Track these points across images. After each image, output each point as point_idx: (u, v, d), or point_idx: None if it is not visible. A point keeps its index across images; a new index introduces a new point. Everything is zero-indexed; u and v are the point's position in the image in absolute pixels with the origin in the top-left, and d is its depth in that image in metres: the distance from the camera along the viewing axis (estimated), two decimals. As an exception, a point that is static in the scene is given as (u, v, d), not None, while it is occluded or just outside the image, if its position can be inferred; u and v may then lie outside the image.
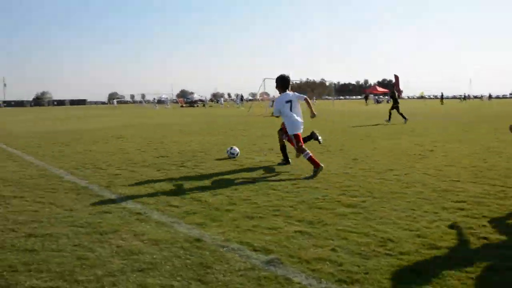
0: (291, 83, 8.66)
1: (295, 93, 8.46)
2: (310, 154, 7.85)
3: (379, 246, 4.08)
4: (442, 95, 76.04)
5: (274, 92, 46.33)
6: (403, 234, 4.41)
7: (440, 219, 4.90)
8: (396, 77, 78.15)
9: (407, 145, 12.06)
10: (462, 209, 5.31)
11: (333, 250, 4.00)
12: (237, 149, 10.07)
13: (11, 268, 3.70)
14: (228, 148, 10.19)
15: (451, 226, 4.64)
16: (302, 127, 8.33)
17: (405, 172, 7.85)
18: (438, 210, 5.30)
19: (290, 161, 9.06)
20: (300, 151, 8.06)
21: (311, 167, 7.69)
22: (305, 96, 8.54)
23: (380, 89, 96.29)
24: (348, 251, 3.97)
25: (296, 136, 8.12)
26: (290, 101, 8.20)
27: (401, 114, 21.52)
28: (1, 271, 3.63)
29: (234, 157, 9.86)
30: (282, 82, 8.45)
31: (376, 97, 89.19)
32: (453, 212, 5.21)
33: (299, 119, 8.26)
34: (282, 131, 8.70)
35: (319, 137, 8.78)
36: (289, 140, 8.36)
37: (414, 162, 8.92)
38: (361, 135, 15.30)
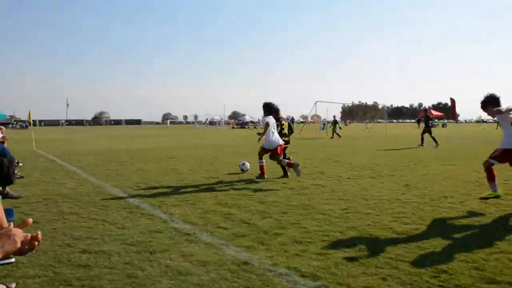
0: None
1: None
2: (263, 163, 10.41)
3: (433, 277, 3.92)
4: (483, 120, 73.34)
5: (325, 115, 46.20)
6: (459, 265, 4.21)
7: (501, 252, 4.64)
8: (452, 101, 75.85)
9: (462, 171, 11.60)
10: (524, 242, 5.02)
11: (383, 279, 3.88)
12: (248, 165, 11.56)
13: (66, 282, 3.84)
14: (240, 164, 11.52)
15: None
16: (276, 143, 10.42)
17: (461, 200, 7.54)
18: (498, 241, 5.02)
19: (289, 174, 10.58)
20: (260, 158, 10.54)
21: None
22: (266, 122, 10.35)
23: (434, 112, 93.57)
24: (399, 281, 3.84)
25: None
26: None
27: (433, 138, 21.60)
28: (57, 285, 3.78)
29: (244, 171, 11.39)
30: (267, 108, 10.75)
31: (431, 121, 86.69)
32: (515, 244, 4.93)
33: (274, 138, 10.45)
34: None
35: (297, 171, 10.02)
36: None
37: (471, 190, 8.56)
38: (413, 159, 14.87)
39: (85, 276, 3.97)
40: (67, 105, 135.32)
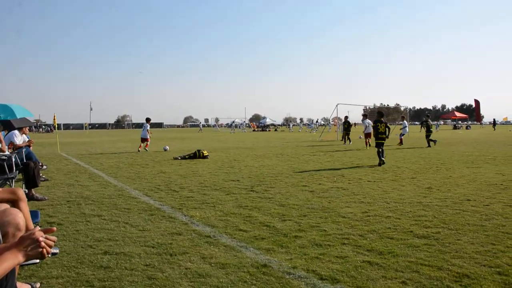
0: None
1: None
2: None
3: (454, 281, 3.86)
4: (494, 121, 71.79)
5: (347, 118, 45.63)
6: (481, 270, 4.13)
7: (525, 256, 4.55)
8: (477, 102, 74.65)
9: (487, 174, 11.38)
10: (549, 246, 4.91)
11: (403, 283, 3.84)
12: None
13: (88, 283, 3.91)
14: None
15: None
16: None
17: (484, 203, 7.40)
18: (521, 245, 4.93)
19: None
20: None
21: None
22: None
23: (458, 114, 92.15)
24: (420, 285, 3.79)
25: None
26: None
27: (428, 140, 23.96)
28: (79, 285, 3.85)
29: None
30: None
31: (454, 122, 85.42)
32: (539, 248, 4.82)
33: None
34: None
35: None
36: None
37: (495, 193, 8.39)
38: (436, 162, 14.66)
39: (106, 277, 4.04)
40: (91, 109, 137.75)
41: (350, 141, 26.76)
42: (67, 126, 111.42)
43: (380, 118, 14.81)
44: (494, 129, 63.58)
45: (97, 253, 4.80)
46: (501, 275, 4.00)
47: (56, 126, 27.74)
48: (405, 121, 29.46)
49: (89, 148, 24.21)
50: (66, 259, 4.57)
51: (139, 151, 21.05)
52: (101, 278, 4.02)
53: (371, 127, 19.31)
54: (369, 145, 23.32)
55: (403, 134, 26.93)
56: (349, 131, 27.49)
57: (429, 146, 23.47)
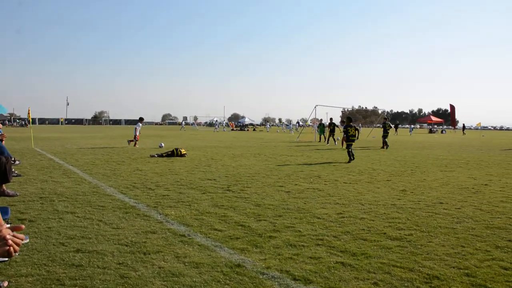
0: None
1: None
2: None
3: (424, 283, 3.94)
4: (464, 126, 73.68)
5: (326, 120, 46.07)
6: (451, 271, 4.23)
7: (493, 258, 4.66)
8: (452, 107, 76.08)
9: (460, 177, 11.62)
10: (517, 249, 5.04)
11: (375, 284, 3.90)
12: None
13: (59, 281, 3.85)
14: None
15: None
16: None
17: (456, 206, 7.56)
18: (490, 248, 5.05)
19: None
20: None
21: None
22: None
23: (434, 118, 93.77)
24: (391, 286, 3.85)
25: None
26: None
27: (384, 141, 24.81)
28: (50, 284, 3.79)
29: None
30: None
31: (430, 126, 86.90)
32: (508, 251, 4.95)
33: None
34: None
35: None
36: None
37: (467, 196, 8.57)
38: (411, 165, 14.89)
39: (77, 276, 3.98)
40: (67, 103, 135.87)
41: (335, 142, 28.21)
42: (42, 121, 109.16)
43: (350, 123, 17.25)
44: (464, 134, 65.06)
45: (69, 251, 4.73)
46: (469, 276, 4.10)
47: (31, 120, 27.21)
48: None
49: (65, 144, 23.79)
50: (37, 257, 4.49)
51: (136, 146, 22.01)
52: (72, 277, 3.96)
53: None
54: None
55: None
56: (334, 132, 28.61)
57: (383, 147, 24.63)
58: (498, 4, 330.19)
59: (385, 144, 24.81)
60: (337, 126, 28.72)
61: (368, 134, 28.68)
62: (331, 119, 30.86)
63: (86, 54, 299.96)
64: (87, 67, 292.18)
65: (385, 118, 28.46)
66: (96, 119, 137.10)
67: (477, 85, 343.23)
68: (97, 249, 4.80)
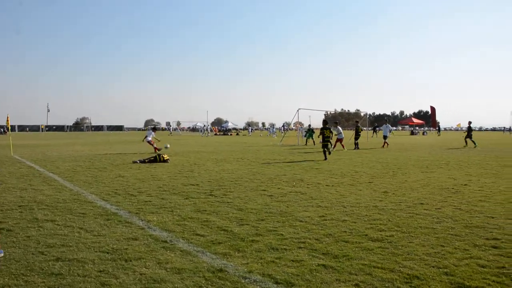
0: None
1: None
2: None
3: (405, 283, 3.98)
4: (439, 127, 74.44)
5: (308, 122, 46.26)
6: (431, 271, 4.28)
7: (471, 257, 4.74)
8: (432, 109, 77.08)
9: (440, 178, 11.78)
10: (495, 247, 5.14)
11: (356, 285, 3.93)
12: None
13: (37, 291, 3.79)
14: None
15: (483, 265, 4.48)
16: None
17: (436, 206, 7.66)
18: (469, 247, 5.14)
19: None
20: None
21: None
22: None
23: (415, 120, 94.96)
24: (372, 287, 3.89)
25: None
26: None
27: (355, 143, 26.83)
28: (28, 294, 3.73)
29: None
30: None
31: (412, 128, 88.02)
32: (486, 249, 5.04)
33: None
34: None
35: None
36: None
37: (447, 197, 8.70)
38: (393, 167, 15.05)
39: (57, 285, 3.93)
40: (48, 110, 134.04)
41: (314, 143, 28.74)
42: (22, 128, 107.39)
43: (325, 125, 19.54)
44: (439, 135, 65.87)
45: (48, 259, 4.67)
46: (448, 275, 4.16)
47: (10, 127, 26.76)
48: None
49: (45, 151, 23.47)
50: (15, 267, 4.41)
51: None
52: (51, 286, 3.91)
53: (343, 134, 25.33)
54: (344, 147, 25.50)
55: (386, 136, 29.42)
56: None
57: (355, 148, 26.30)
58: (475, 5, 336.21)
59: (356, 146, 26.69)
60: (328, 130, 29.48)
61: (351, 137, 28.87)
62: (309, 125, 31.85)
63: (64, 58, 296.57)
64: (67, 72, 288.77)
65: (356, 121, 30.71)
66: (78, 126, 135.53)
67: (459, 87, 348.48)
68: (78, 257, 4.75)
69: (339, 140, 25.81)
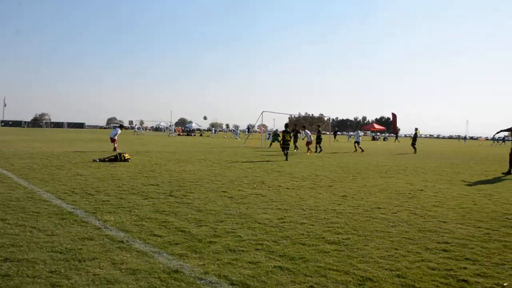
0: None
1: None
2: None
3: (358, 285, 4.06)
4: (396, 134, 78.73)
5: (272, 125, 46.53)
6: (383, 273, 4.39)
7: (422, 260, 4.90)
8: (394, 115, 78.91)
9: (398, 183, 12.09)
10: (445, 250, 5.32)
11: (311, 287, 3.98)
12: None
13: (-17, 292, 3.65)
14: None
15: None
16: None
17: (393, 211, 7.85)
18: (421, 250, 5.30)
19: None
20: None
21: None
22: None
23: (377, 126, 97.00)
24: (326, 289, 3.94)
25: None
26: None
27: (316, 146, 27.76)
28: (-28, 296, 3.59)
29: None
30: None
31: (373, 134, 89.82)
32: (436, 253, 5.22)
33: None
34: None
35: None
36: None
37: (403, 201, 8.93)
38: (353, 171, 15.33)
39: (3, 286, 3.79)
40: (4, 104, 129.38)
41: (297, 148, 28.96)
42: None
43: (286, 129, 20.91)
44: (395, 141, 67.83)
45: (-4, 260, 4.50)
46: (400, 277, 4.28)
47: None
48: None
49: (0, 147, 22.64)
50: (-40, 267, 4.24)
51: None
52: (-3, 287, 3.77)
53: (311, 136, 27.08)
54: (310, 151, 26.33)
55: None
56: (297, 138, 30.07)
57: (316, 151, 27.33)
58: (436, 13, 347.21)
59: (319, 148, 27.97)
60: (300, 133, 29.95)
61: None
62: (295, 125, 33.27)
63: (26, 53, 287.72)
64: (28, 67, 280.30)
65: (318, 125, 32.46)
66: (36, 122, 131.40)
67: (420, 96, 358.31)
68: (28, 257, 4.60)
69: (308, 143, 26.67)
